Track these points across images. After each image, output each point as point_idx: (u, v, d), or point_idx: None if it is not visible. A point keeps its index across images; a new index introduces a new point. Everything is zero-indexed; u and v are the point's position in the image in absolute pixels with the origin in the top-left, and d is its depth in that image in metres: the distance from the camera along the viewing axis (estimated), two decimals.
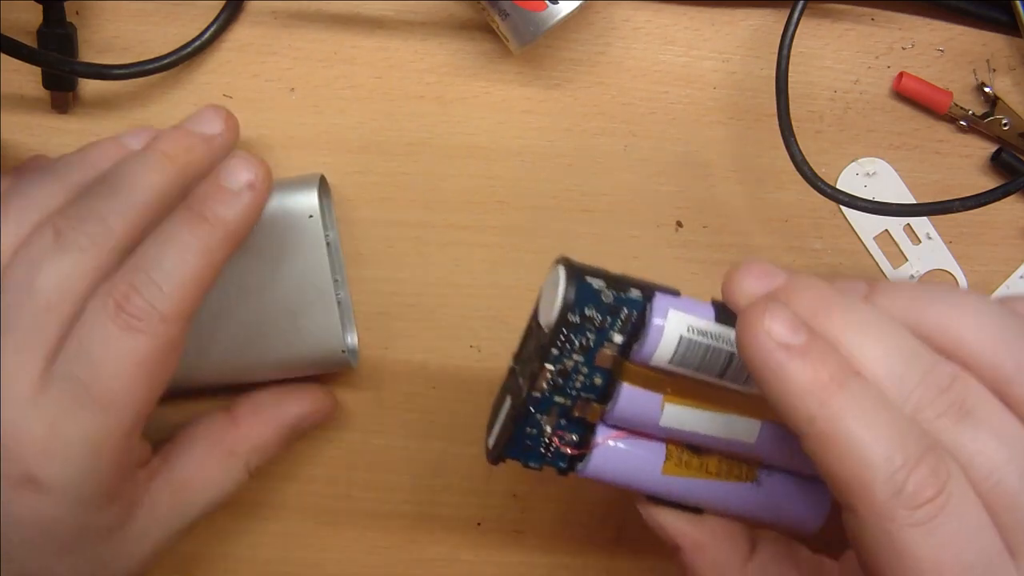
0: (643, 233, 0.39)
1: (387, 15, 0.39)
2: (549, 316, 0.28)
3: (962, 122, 0.38)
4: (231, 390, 0.39)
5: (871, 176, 0.39)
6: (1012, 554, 0.23)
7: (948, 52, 0.39)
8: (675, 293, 0.28)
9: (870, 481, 0.23)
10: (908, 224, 0.39)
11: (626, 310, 0.28)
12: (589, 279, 0.28)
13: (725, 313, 0.28)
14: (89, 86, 0.39)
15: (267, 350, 0.37)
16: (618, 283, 0.28)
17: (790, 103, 0.36)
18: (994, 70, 0.38)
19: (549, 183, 0.39)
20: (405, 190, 0.39)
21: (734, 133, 0.39)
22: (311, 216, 0.37)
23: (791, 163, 0.36)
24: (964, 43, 0.39)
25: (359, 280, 0.39)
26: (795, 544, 0.32)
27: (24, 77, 0.39)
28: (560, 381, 0.29)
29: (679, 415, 0.29)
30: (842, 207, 0.39)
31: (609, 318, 0.28)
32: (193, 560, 0.42)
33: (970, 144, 0.39)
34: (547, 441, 0.30)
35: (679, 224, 0.39)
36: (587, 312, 0.28)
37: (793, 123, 0.36)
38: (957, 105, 0.38)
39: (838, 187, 0.37)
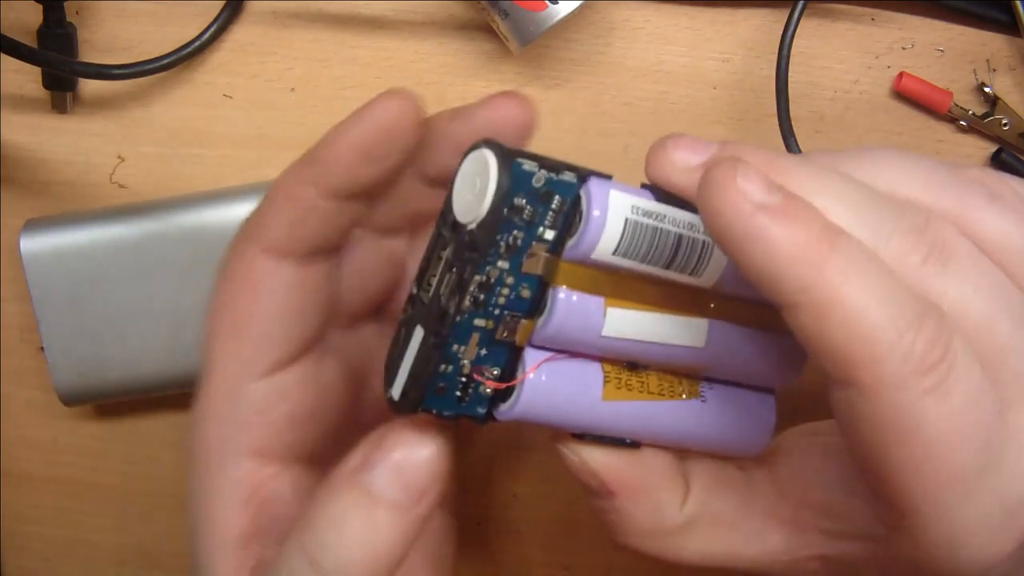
0: None
1: (387, 15, 0.39)
2: (477, 209, 0.22)
3: (962, 122, 0.38)
4: None
5: None
6: (1002, 408, 0.22)
7: (948, 52, 0.39)
8: (608, 176, 0.24)
9: (878, 348, 0.21)
10: None
11: (558, 197, 0.23)
12: (522, 160, 0.22)
13: (662, 194, 0.24)
14: (89, 86, 0.39)
15: None
16: (551, 165, 0.23)
17: (790, 103, 0.36)
18: (994, 70, 0.38)
19: None
20: None
21: (734, 133, 0.39)
22: None
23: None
24: (964, 43, 0.39)
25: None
26: (722, 466, 0.29)
27: (24, 77, 0.39)
28: (481, 297, 0.23)
29: (624, 321, 0.24)
30: None
31: (540, 208, 0.23)
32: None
33: (970, 144, 0.39)
34: (464, 380, 0.24)
35: None
36: (516, 202, 0.22)
37: (793, 123, 0.36)
38: (957, 105, 0.38)
39: None
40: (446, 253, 0.24)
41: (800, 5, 0.36)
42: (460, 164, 0.24)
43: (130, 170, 0.40)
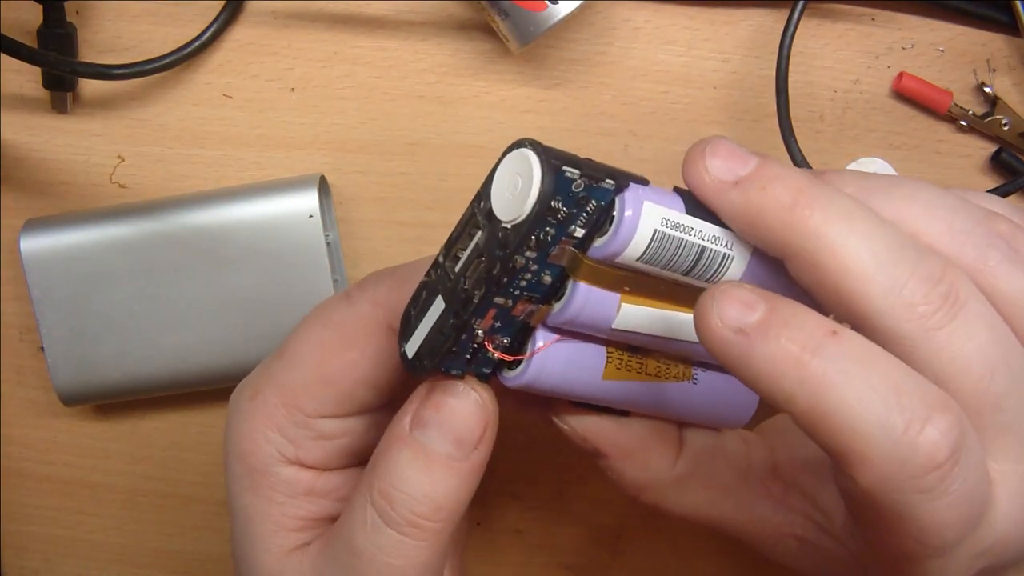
0: None
1: (387, 15, 0.39)
2: (517, 210, 0.23)
3: (962, 122, 0.38)
4: (232, 390, 0.39)
5: None
6: (987, 460, 0.23)
7: (948, 52, 0.39)
8: (644, 181, 0.25)
9: (869, 455, 0.21)
10: None
11: (594, 201, 0.24)
12: (566, 169, 0.23)
13: (693, 203, 0.25)
14: (89, 86, 0.39)
15: (267, 349, 0.37)
16: (592, 172, 0.24)
17: (790, 103, 0.36)
18: (994, 70, 0.38)
19: None
20: (405, 190, 0.39)
21: (734, 133, 0.39)
22: (311, 216, 0.37)
23: (791, 163, 0.36)
24: (964, 43, 0.39)
25: (359, 280, 0.39)
26: (721, 436, 0.31)
27: (24, 77, 0.39)
28: (506, 280, 0.24)
29: (635, 316, 0.25)
30: None
31: (575, 210, 0.24)
32: (193, 560, 0.42)
33: (970, 144, 0.39)
34: (476, 346, 0.25)
35: None
36: (553, 205, 0.23)
37: (793, 123, 0.36)
38: (957, 105, 0.38)
39: None
40: (477, 237, 0.24)
41: (800, 5, 0.36)
42: (503, 156, 0.24)
43: (130, 170, 0.40)
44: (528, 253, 0.24)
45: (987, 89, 0.38)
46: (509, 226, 0.23)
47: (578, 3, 0.35)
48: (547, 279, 0.24)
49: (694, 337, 0.25)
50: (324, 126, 0.39)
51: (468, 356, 0.25)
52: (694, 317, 0.23)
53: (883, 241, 0.23)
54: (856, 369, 0.21)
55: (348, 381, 0.28)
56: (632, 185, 0.24)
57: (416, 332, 0.26)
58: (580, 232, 0.24)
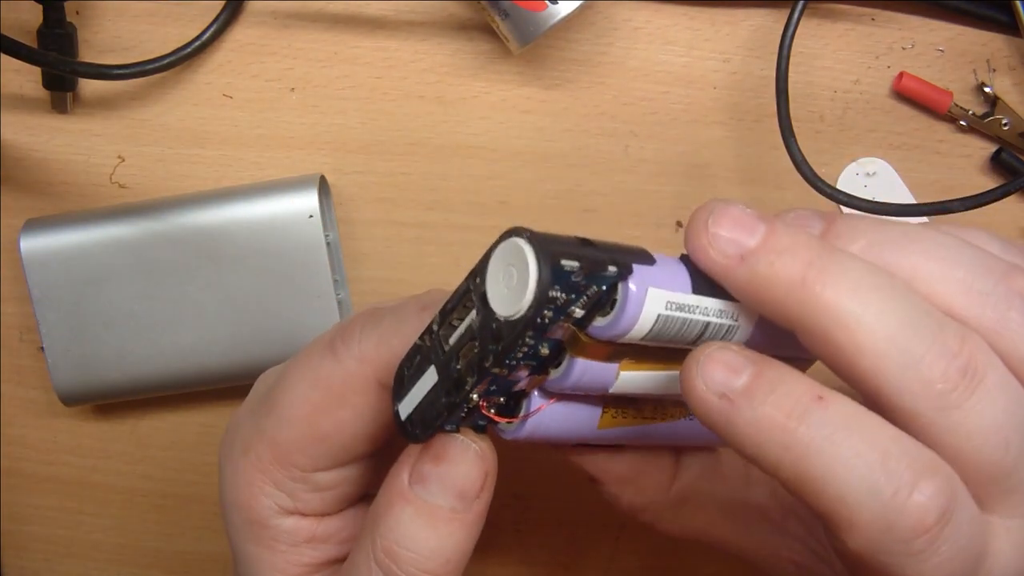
0: (643, 233, 0.39)
1: (387, 15, 0.39)
2: (513, 307, 0.23)
3: (962, 122, 0.38)
4: (231, 390, 0.39)
5: (871, 176, 0.39)
6: (985, 518, 0.23)
7: (948, 52, 0.39)
8: (648, 260, 0.24)
9: (856, 520, 0.21)
10: None
11: (595, 287, 0.23)
12: (565, 264, 0.22)
13: (699, 274, 0.24)
14: (89, 86, 0.39)
15: (267, 349, 0.37)
16: (593, 263, 0.23)
17: (790, 103, 0.36)
18: (994, 70, 0.38)
19: (549, 183, 0.39)
20: (405, 190, 0.39)
21: (734, 133, 0.39)
22: (311, 216, 0.37)
23: (791, 163, 0.36)
24: (964, 43, 0.39)
25: (359, 280, 0.39)
26: (718, 459, 0.31)
27: (24, 77, 0.39)
28: (498, 367, 0.24)
29: (633, 380, 0.25)
30: (842, 207, 0.39)
31: (574, 295, 0.23)
32: (193, 560, 0.42)
33: (970, 144, 0.39)
34: (471, 407, 0.25)
35: (679, 224, 0.39)
36: (551, 295, 0.22)
37: (793, 123, 0.36)
38: (957, 105, 0.38)
39: (838, 187, 0.37)
40: (471, 317, 0.24)
41: (800, 5, 0.36)
42: (498, 243, 0.23)
43: (130, 170, 0.40)
44: (526, 339, 0.23)
45: (987, 89, 0.38)
46: (503, 320, 0.23)
47: (578, 3, 0.35)
48: (544, 351, 0.24)
49: None
50: (324, 126, 0.39)
51: (463, 414, 0.25)
52: (680, 380, 0.22)
53: (897, 314, 0.22)
54: (842, 435, 0.21)
55: (341, 437, 0.28)
56: (635, 268, 0.23)
57: (410, 395, 0.25)
58: (579, 312, 0.23)
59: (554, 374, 0.24)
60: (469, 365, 0.24)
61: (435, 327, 0.25)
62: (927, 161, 0.39)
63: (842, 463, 0.21)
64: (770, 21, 0.39)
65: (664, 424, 0.28)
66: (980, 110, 0.38)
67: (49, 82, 0.38)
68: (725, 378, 0.21)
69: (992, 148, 0.39)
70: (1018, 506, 0.23)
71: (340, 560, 0.29)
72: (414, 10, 0.39)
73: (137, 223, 0.37)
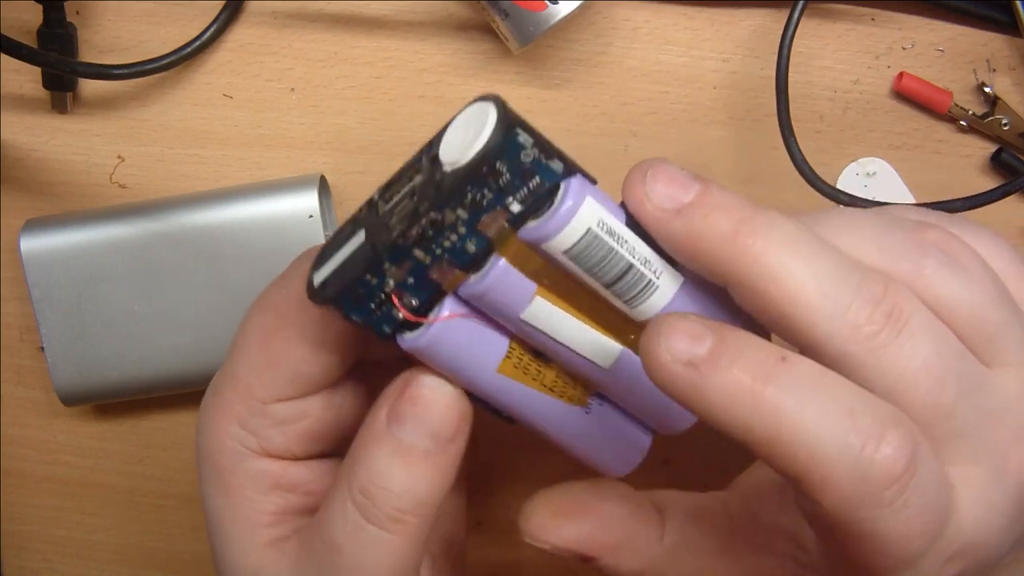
0: None
1: (387, 15, 0.39)
2: (461, 155, 0.23)
3: (962, 122, 0.38)
4: None
5: (871, 176, 0.39)
6: (944, 468, 0.23)
7: (948, 52, 0.39)
8: (594, 180, 0.25)
9: (830, 476, 0.21)
10: None
11: (538, 179, 0.23)
12: (519, 131, 0.23)
13: (635, 222, 0.24)
14: (89, 86, 0.39)
15: None
16: (545, 147, 0.23)
17: (790, 103, 0.36)
18: (994, 70, 0.38)
19: None
20: None
21: (734, 133, 0.39)
22: (311, 216, 0.37)
23: (791, 163, 0.36)
24: (964, 43, 0.39)
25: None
26: (697, 499, 0.31)
27: (24, 77, 0.39)
28: (430, 233, 0.24)
29: (544, 313, 0.25)
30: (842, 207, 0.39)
31: (517, 181, 0.23)
32: (193, 560, 0.42)
33: (970, 144, 0.39)
34: (383, 296, 0.24)
35: None
36: (497, 166, 0.23)
37: (793, 123, 0.36)
38: (957, 105, 0.38)
39: (838, 187, 0.37)
40: (416, 179, 0.24)
41: (800, 5, 0.36)
42: (466, 106, 0.24)
43: (130, 170, 0.40)
44: (460, 211, 0.23)
45: (987, 89, 0.38)
46: (449, 169, 0.23)
47: (578, 3, 0.35)
48: (471, 247, 0.24)
49: (596, 359, 0.26)
50: (324, 126, 0.39)
51: (373, 305, 0.25)
52: (641, 353, 0.22)
53: (825, 265, 0.23)
54: (809, 394, 0.21)
55: (291, 360, 0.28)
56: (580, 176, 0.24)
57: (329, 262, 0.25)
58: (517, 207, 0.24)
59: (474, 277, 0.24)
60: (402, 216, 0.24)
61: (375, 197, 0.25)
62: (927, 161, 0.39)
63: (812, 421, 0.21)
64: (770, 21, 0.39)
65: (561, 405, 0.27)
66: (980, 110, 0.38)
67: (49, 82, 0.38)
68: (688, 346, 0.22)
69: (992, 148, 0.39)
70: (967, 452, 0.24)
71: (307, 512, 0.29)
72: (414, 10, 0.39)
73: (137, 223, 0.37)
